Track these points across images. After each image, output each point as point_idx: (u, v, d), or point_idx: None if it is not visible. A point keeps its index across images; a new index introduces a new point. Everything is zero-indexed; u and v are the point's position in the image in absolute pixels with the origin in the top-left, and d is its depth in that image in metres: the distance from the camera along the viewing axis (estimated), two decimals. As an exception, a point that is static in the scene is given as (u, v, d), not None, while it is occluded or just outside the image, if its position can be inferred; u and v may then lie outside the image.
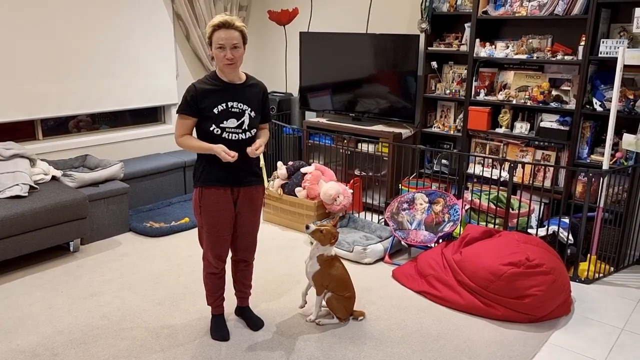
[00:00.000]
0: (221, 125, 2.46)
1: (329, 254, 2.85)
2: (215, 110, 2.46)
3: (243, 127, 2.51)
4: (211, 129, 2.46)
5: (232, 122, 2.48)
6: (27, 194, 3.51)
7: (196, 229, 4.17)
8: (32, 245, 3.45)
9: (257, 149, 2.48)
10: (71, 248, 3.78)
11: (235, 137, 2.50)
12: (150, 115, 5.14)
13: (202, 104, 2.45)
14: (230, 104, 2.48)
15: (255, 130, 2.57)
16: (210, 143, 2.47)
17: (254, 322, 2.86)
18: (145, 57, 4.78)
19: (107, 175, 4.04)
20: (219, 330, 2.76)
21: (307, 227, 2.80)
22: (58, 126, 4.49)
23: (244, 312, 2.93)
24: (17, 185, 3.52)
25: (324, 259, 2.84)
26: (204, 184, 2.53)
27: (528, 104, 3.89)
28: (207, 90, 2.46)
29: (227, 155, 2.41)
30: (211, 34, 2.41)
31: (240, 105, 2.50)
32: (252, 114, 2.53)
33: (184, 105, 2.46)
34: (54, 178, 3.88)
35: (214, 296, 2.77)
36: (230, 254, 2.79)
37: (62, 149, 4.33)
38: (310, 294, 2.98)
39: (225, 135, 2.48)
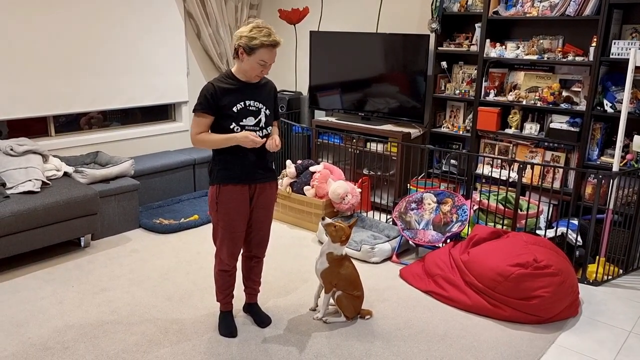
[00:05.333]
0: (241, 123, 2.50)
1: (339, 253, 2.87)
2: (235, 109, 2.49)
3: (260, 125, 2.56)
4: (231, 127, 2.49)
5: (250, 120, 2.53)
6: (39, 190, 3.56)
7: (205, 227, 4.21)
8: (43, 240, 3.49)
9: (277, 144, 2.57)
10: (82, 243, 3.83)
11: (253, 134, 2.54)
12: (160, 113, 5.18)
13: (221, 102, 2.47)
14: (247, 102, 2.52)
15: (270, 127, 2.63)
16: (232, 146, 2.51)
17: (261, 319, 2.89)
18: (156, 55, 4.82)
19: (118, 171, 4.08)
20: (227, 327, 2.79)
21: (323, 219, 2.84)
22: (70, 123, 4.53)
23: (252, 308, 2.95)
24: (29, 180, 3.57)
25: (334, 258, 2.85)
26: (221, 181, 2.55)
27: (538, 104, 3.88)
28: (226, 89, 2.49)
29: (255, 139, 2.46)
30: (258, 48, 2.40)
31: (257, 104, 2.55)
32: (267, 112, 2.59)
33: (204, 104, 2.47)
34: (65, 174, 3.92)
35: (224, 293, 2.79)
36: (242, 251, 2.82)
37: (73, 145, 4.39)
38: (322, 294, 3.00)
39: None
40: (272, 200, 2.74)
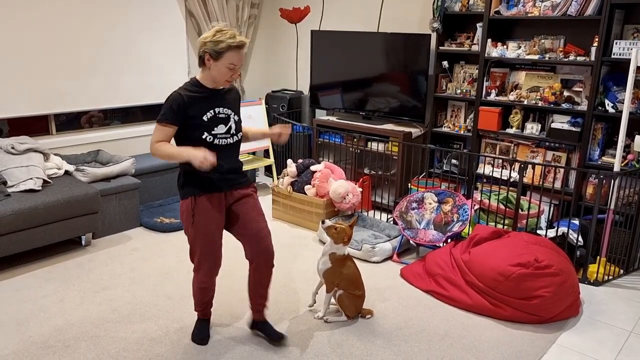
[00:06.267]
0: (212, 132, 2.42)
1: (342, 253, 2.87)
2: (205, 118, 2.40)
3: (231, 132, 2.49)
4: (203, 137, 2.40)
5: (221, 128, 2.45)
6: (40, 188, 3.56)
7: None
8: (44, 239, 3.49)
9: (286, 132, 2.62)
10: (83, 242, 3.83)
11: (224, 142, 2.46)
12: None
13: (190, 112, 2.38)
14: (217, 110, 2.44)
15: (240, 133, 2.55)
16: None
17: (276, 337, 2.69)
18: (157, 54, 4.82)
19: (119, 170, 4.08)
20: (199, 334, 2.72)
21: (323, 222, 2.83)
22: (71, 121, 4.54)
23: (261, 326, 2.75)
24: (31, 179, 3.57)
25: (336, 258, 2.86)
26: (195, 193, 2.45)
27: (539, 104, 3.88)
28: (194, 97, 2.40)
29: (207, 160, 2.25)
30: (225, 51, 2.33)
31: (226, 111, 2.48)
32: (236, 117, 2.52)
33: (168, 114, 2.35)
34: (66, 173, 3.93)
35: (203, 305, 2.72)
36: (248, 264, 2.64)
37: (74, 144, 4.38)
38: (320, 292, 3.00)
39: (216, 141, 2.44)
40: (255, 199, 2.63)
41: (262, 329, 2.75)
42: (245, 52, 2.42)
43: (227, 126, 2.48)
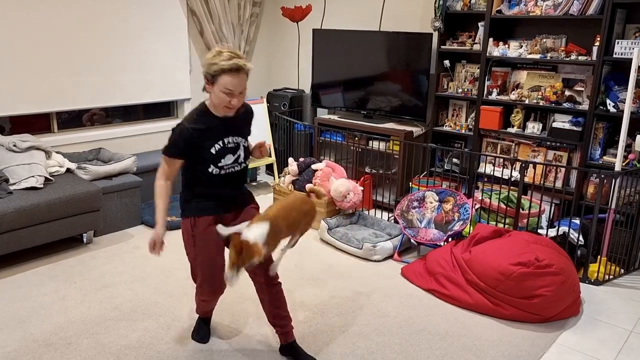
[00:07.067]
0: (219, 164, 2.30)
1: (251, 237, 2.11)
2: (213, 150, 2.28)
3: (239, 161, 2.38)
4: (209, 170, 2.29)
5: (229, 159, 2.33)
6: (42, 186, 3.57)
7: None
8: (46, 236, 3.50)
9: (264, 153, 2.48)
10: (84, 240, 3.83)
11: (231, 170, 2.36)
12: (162, 110, 5.18)
13: (198, 144, 2.24)
14: (226, 140, 2.31)
15: (248, 159, 2.44)
16: (207, 182, 2.33)
17: None
18: (159, 53, 4.82)
19: (121, 168, 4.09)
20: (200, 332, 2.72)
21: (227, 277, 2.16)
22: (72, 119, 4.54)
23: (290, 350, 2.54)
24: (32, 176, 3.58)
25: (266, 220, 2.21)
26: (198, 213, 2.36)
27: (541, 104, 3.88)
28: (202, 130, 2.25)
29: (151, 249, 2.28)
30: (218, 74, 2.14)
31: (236, 139, 2.35)
32: (245, 143, 2.40)
33: (174, 148, 2.24)
34: (68, 170, 3.93)
35: (204, 312, 2.72)
36: (254, 283, 2.51)
37: (76, 142, 4.39)
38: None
39: (222, 172, 2.33)
40: (256, 214, 2.45)
41: (292, 353, 2.54)
42: (246, 77, 2.18)
43: (236, 155, 2.35)
